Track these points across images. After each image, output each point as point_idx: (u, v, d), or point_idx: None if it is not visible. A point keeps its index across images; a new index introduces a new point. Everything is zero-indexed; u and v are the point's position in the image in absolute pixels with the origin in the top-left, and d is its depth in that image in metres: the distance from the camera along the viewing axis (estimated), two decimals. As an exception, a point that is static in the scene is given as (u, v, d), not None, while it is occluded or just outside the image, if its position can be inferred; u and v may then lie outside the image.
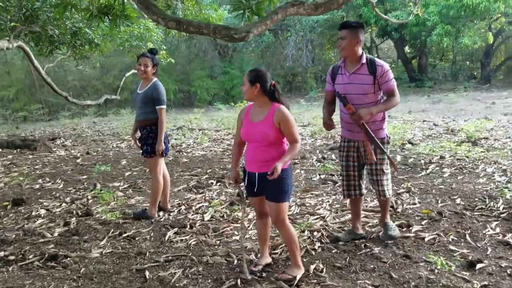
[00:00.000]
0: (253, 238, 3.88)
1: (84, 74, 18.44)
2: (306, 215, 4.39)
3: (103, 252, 3.69)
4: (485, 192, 4.80)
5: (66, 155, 8.24)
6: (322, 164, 6.58)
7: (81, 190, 5.66)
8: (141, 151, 4.52)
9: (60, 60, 13.20)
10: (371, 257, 3.38)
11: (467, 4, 17.66)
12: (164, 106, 4.39)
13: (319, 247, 3.59)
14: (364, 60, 3.52)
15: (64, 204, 5.06)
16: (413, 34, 22.07)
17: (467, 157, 6.44)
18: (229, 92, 21.53)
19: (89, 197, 5.34)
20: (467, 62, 28.55)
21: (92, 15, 5.44)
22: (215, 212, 4.60)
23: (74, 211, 4.79)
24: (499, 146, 7.17)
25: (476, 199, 4.60)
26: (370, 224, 4.05)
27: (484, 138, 7.87)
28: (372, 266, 3.24)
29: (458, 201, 4.56)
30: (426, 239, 3.63)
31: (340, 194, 5.02)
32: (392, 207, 4.45)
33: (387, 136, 3.67)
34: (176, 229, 4.15)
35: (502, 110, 12.80)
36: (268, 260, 3.33)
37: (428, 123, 10.62)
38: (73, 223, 4.44)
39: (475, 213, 4.19)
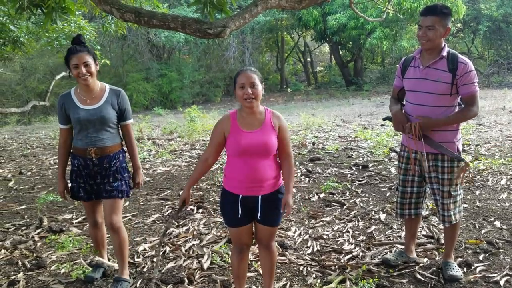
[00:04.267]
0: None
1: (4, 78, 16.26)
2: (332, 253, 3.52)
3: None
4: (518, 212, 4.23)
5: (-7, 176, 6.74)
6: (311, 179, 5.77)
7: (22, 228, 4.37)
8: (108, 193, 3.02)
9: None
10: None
11: (406, 7, 17.77)
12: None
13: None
14: (445, 53, 2.86)
15: (3, 251, 3.78)
16: (352, 38, 22.09)
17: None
18: (168, 96, 20.19)
19: (36, 238, 4.09)
20: (397, 66, 29.31)
21: (22, 8, 4.35)
22: (212, 254, 3.59)
23: (20, 262, 3.56)
24: (487, 153, 6.77)
25: (517, 221, 3.99)
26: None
27: (466, 143, 7.47)
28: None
29: (497, 224, 3.93)
30: (501, 283, 2.91)
31: (355, 219, 4.25)
32: (432, 237, 3.72)
33: (458, 151, 2.95)
34: (171, 286, 3.10)
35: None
36: None
37: (390, 127, 10.21)
38: (22, 281, 3.23)
39: (530, 242, 3.55)
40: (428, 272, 3.11)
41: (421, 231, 3.83)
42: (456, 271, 3.00)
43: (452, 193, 2.95)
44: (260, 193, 2.51)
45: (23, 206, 5.07)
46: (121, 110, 3.05)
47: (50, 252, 3.77)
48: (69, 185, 3.12)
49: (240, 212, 2.54)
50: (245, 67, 2.60)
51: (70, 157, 3.11)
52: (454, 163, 2.94)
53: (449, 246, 3.12)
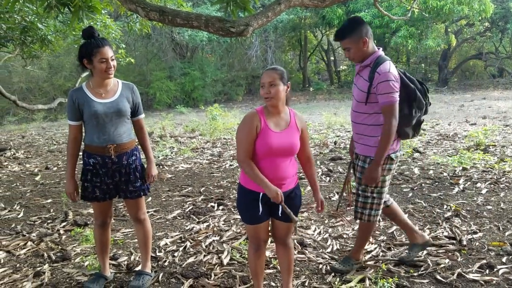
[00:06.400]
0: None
1: (31, 75, 16.66)
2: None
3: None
4: (544, 215, 4.13)
5: (21, 170, 6.92)
6: (331, 178, 5.75)
7: (48, 221, 4.49)
8: (131, 194, 3.00)
9: (5, 59, 11.65)
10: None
11: (431, 6, 17.48)
12: None
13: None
14: (369, 62, 2.87)
15: (30, 243, 3.90)
16: (377, 36, 21.83)
17: (492, 168, 5.81)
18: (190, 94, 20.38)
19: (61, 231, 4.20)
20: (422, 65, 28.90)
21: (50, 6, 4.45)
22: (232, 250, 3.63)
23: (45, 254, 3.66)
24: (512, 155, 6.63)
25: (543, 224, 3.90)
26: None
27: (491, 145, 7.32)
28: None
29: (522, 227, 3.86)
30: (525, 287, 2.86)
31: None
32: (454, 238, 3.67)
33: (388, 157, 2.93)
34: (191, 280, 3.14)
35: (476, 113, 12.61)
36: None
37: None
38: (47, 273, 3.33)
39: (555, 245, 3.47)
40: (449, 273, 3.07)
41: (442, 232, 3.79)
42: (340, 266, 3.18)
43: (360, 191, 3.02)
44: (282, 190, 2.51)
45: (49, 200, 5.21)
46: (135, 105, 3.00)
47: (75, 245, 3.86)
48: (82, 185, 2.95)
49: (261, 209, 2.54)
50: (271, 66, 2.59)
51: (83, 156, 2.95)
52: (366, 164, 2.96)
53: (357, 243, 3.23)
